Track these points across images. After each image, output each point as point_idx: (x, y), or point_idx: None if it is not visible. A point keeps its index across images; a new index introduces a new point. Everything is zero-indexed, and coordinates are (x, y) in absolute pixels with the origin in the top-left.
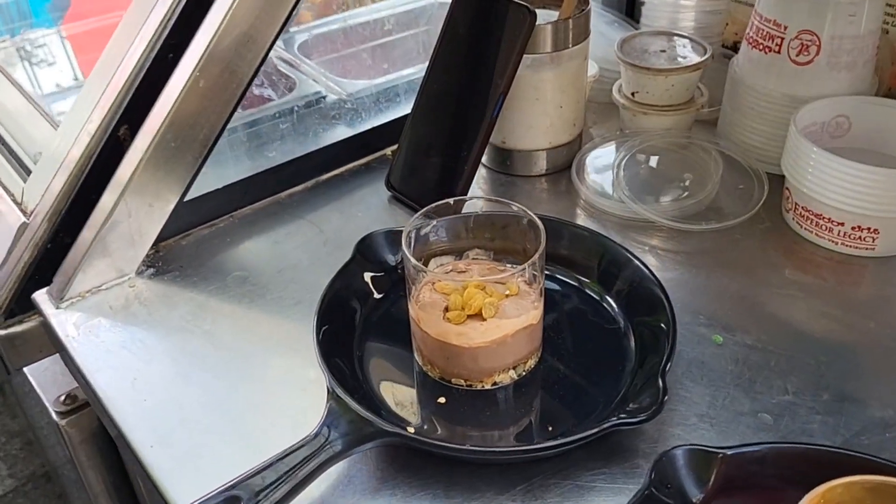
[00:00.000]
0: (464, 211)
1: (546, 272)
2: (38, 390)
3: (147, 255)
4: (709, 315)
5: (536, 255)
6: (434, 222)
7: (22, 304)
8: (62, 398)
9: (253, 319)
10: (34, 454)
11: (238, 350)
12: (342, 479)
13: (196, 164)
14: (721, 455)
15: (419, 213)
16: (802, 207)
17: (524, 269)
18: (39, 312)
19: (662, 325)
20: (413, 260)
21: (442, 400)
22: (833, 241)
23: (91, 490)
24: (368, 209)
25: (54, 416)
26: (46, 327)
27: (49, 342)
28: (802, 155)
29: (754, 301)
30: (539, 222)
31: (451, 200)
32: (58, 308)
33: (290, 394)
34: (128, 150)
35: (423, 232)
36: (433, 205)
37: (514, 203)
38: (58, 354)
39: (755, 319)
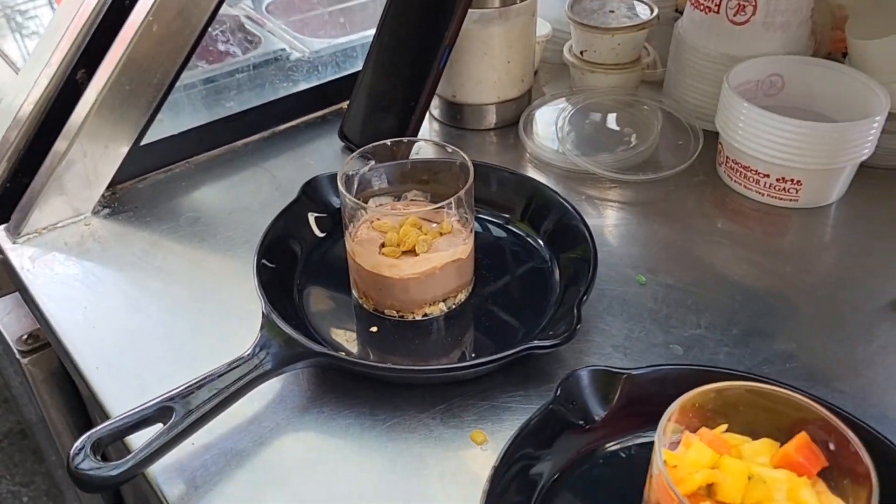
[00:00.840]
0: (408, 158)
1: (479, 214)
2: (2, 329)
3: (103, 197)
4: (636, 259)
5: (463, 190)
6: (374, 165)
7: None
8: (24, 337)
9: (202, 257)
10: (10, 412)
11: (186, 284)
12: (275, 399)
13: (150, 108)
14: (625, 375)
15: (356, 152)
16: (732, 161)
17: (451, 202)
18: None
19: (584, 260)
20: (349, 196)
21: (374, 329)
22: (759, 193)
23: (53, 428)
24: (322, 159)
25: (17, 354)
26: (3, 262)
27: (7, 279)
28: (733, 110)
29: (681, 247)
30: (469, 162)
31: (388, 141)
32: (14, 243)
33: (233, 324)
34: (84, 92)
35: (363, 175)
36: (370, 145)
37: (449, 145)
38: (18, 294)
39: (679, 263)
